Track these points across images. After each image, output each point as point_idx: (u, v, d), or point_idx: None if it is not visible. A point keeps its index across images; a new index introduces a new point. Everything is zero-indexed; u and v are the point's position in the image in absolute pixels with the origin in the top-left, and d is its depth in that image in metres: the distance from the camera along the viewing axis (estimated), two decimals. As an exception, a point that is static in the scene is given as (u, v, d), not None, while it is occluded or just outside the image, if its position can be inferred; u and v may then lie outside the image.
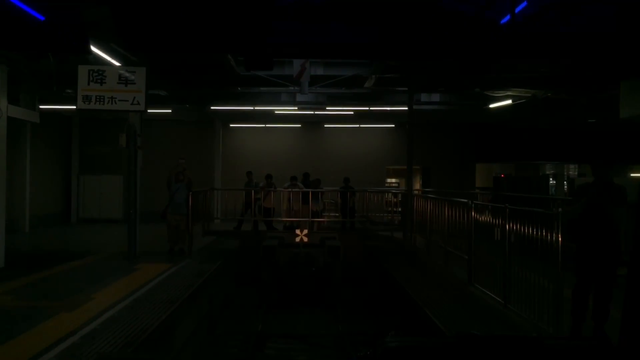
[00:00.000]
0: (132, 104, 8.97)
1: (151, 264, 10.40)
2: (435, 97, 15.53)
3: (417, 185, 21.79)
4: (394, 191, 17.14)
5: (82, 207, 19.89)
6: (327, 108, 16.53)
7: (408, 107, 12.66)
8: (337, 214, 16.88)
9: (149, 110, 17.47)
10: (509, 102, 12.78)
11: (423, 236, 11.68)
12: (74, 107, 15.35)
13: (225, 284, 11.10)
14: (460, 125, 19.75)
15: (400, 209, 15.48)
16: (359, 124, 20.26)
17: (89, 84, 8.74)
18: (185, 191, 11.76)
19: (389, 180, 22.27)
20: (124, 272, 9.50)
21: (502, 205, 6.46)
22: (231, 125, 20.48)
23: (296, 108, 16.29)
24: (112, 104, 8.88)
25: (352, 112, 17.54)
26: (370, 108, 16.29)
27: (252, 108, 16.36)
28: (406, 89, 13.18)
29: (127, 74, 8.82)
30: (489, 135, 19.70)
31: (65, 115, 19.08)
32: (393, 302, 9.84)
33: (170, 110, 17.74)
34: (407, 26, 9.07)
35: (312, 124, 20.28)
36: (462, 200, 8.38)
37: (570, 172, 24.27)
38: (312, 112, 17.43)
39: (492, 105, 13.61)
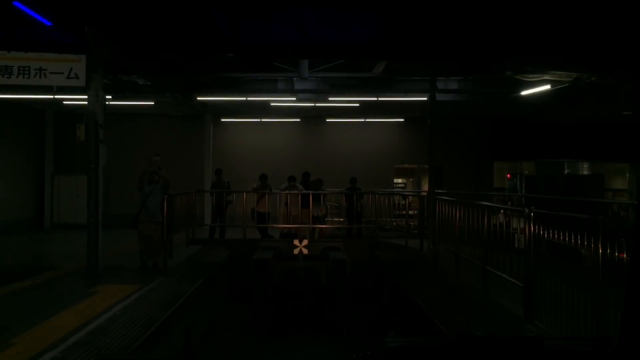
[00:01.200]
0: (68, 77, 6.92)
1: (114, 285, 8.40)
2: (453, 85, 13.48)
3: (426, 187, 19.87)
4: (410, 194, 15.09)
5: (57, 211, 17.86)
6: (329, 99, 14.53)
7: (429, 95, 10.62)
8: (341, 219, 14.89)
9: (128, 103, 15.93)
10: (547, 87, 10.75)
11: (446, 247, 9.70)
12: (35, 96, 13.60)
13: (208, 309, 9.07)
14: (476, 119, 17.77)
15: (410, 213, 13.54)
16: (365, 118, 18.29)
17: (9, 51, 6.71)
18: (161, 194, 9.79)
19: (396, 180, 20.32)
20: (76, 297, 7.48)
21: (594, 217, 4.46)
22: (223, 120, 18.54)
23: (294, 98, 14.27)
24: (40, 77, 6.84)
25: (358, 105, 15.57)
26: (379, 98, 14.27)
27: (244, 99, 14.36)
28: (426, 76, 11.17)
29: (59, 36, 6.78)
30: (509, 131, 17.69)
31: (37, 108, 17.10)
32: (416, 334, 7.82)
33: (152, 103, 15.78)
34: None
35: (313, 118, 18.33)
36: (514, 207, 6.33)
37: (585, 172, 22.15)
38: (313, 104, 15.42)
39: (524, 93, 11.59)
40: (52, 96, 12.93)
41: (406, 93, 13.57)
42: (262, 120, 18.42)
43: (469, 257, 8.06)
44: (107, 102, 15.01)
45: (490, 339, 1.82)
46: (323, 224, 13.56)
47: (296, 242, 11.08)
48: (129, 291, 7.91)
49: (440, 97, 12.80)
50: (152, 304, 7.23)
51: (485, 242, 7.21)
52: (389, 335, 1.90)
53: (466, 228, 8.13)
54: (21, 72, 6.75)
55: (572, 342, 2.00)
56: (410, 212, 13.59)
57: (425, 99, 13.96)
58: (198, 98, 14.78)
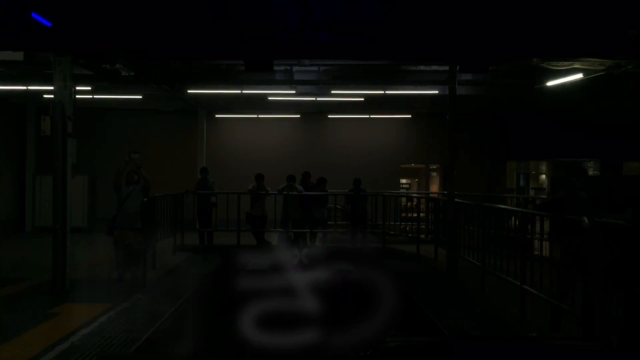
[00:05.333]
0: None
1: (82, 303, 7.20)
2: (467, 76, 12.21)
3: (434, 188, 18.71)
4: (422, 196, 13.90)
5: (38, 214, 16.57)
6: (332, 92, 13.35)
7: (449, 87, 9.39)
8: (344, 222, 13.68)
9: (114, 97, 14.71)
10: (579, 76, 9.52)
11: (465, 257, 8.51)
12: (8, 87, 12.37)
13: (190, 332, 7.83)
14: (488, 116, 16.54)
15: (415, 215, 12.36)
16: (369, 114, 17.06)
17: None
18: (140, 197, 8.58)
19: (403, 181, 19.15)
20: (32, 321, 6.26)
21: None
22: (217, 116, 17.32)
23: (294, 92, 13.10)
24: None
25: (362, 99, 14.36)
26: (387, 91, 13.07)
27: (239, 91, 13.17)
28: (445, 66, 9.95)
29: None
30: (524, 127, 16.44)
31: (16, 102, 15.89)
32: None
33: (140, 97, 14.55)
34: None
35: (313, 115, 17.11)
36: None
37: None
38: (314, 99, 14.24)
39: (550, 83, 10.36)
40: (24, 87, 11.75)
41: (417, 85, 12.39)
42: (260, 116, 17.23)
43: (502, 273, 6.85)
44: (92, 96, 14.19)
45: (489, 338, 1.79)
46: (325, 228, 12.35)
47: (295, 252, 9.87)
48: (97, 312, 6.69)
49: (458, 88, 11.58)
50: (122, 329, 6.01)
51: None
52: (389, 335, 1.86)
53: (499, 237, 6.92)
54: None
55: (572, 342, 1.94)
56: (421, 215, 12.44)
57: (437, 92, 12.81)
58: (189, 91, 13.59)
